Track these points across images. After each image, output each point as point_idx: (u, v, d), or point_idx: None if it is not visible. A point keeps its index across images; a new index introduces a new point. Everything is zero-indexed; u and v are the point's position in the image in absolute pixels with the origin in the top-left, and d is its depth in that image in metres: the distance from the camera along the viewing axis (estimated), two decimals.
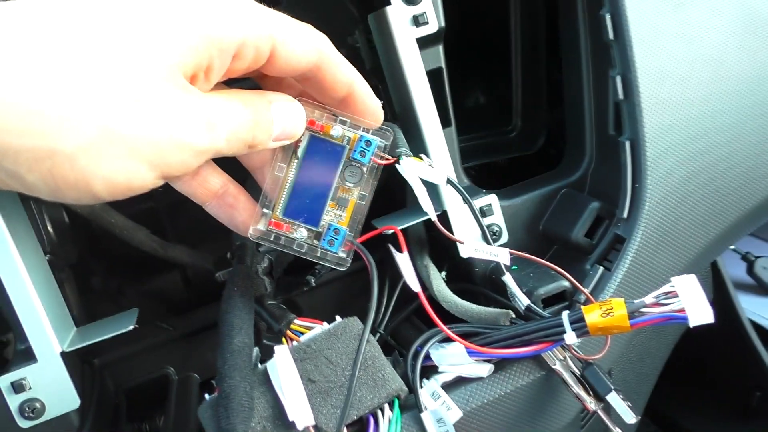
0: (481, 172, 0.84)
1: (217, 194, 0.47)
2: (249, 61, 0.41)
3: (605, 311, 0.48)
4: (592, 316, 0.48)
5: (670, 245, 0.63)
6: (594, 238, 0.65)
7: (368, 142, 0.48)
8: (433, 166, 0.52)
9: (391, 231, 0.62)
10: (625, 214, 0.63)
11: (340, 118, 0.47)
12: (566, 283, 0.60)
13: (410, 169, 0.51)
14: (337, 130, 0.47)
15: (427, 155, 0.62)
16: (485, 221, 0.65)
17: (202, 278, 0.75)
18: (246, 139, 0.42)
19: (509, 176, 0.76)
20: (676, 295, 0.46)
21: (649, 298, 0.47)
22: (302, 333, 0.55)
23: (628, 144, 0.62)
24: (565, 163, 0.74)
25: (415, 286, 0.52)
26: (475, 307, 0.60)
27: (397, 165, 0.51)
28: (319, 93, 0.46)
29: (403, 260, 0.52)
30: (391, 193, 0.68)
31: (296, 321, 0.56)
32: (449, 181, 0.53)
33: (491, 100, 0.88)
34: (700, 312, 0.45)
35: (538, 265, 0.61)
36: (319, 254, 0.49)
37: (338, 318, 0.54)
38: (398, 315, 0.72)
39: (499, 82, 0.87)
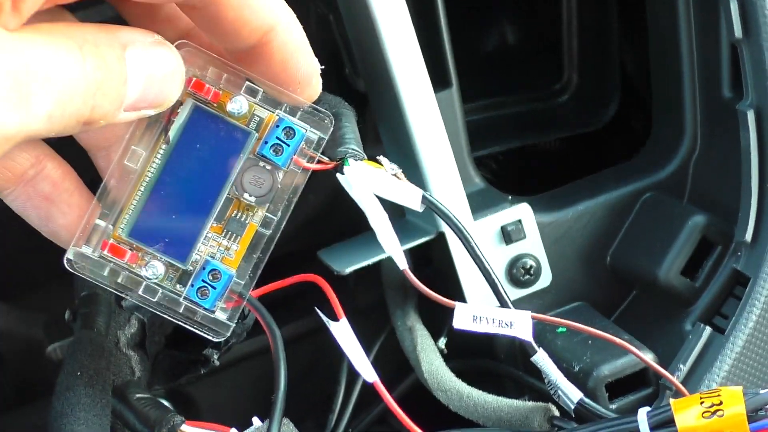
0: (509, 166, 0.85)
1: (24, 176, 0.47)
2: None
3: (709, 408, 0.48)
4: (688, 416, 0.48)
5: None
6: (697, 278, 0.66)
7: (290, 131, 0.48)
8: (400, 177, 0.52)
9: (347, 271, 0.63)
10: (748, 236, 0.64)
11: (249, 83, 0.48)
12: (649, 356, 0.61)
13: (360, 181, 0.51)
14: (238, 104, 0.48)
15: (407, 135, 0.63)
16: (510, 251, 0.66)
17: (23, 355, 0.76)
18: (81, 111, 0.42)
19: (556, 172, 0.76)
20: None
21: None
22: None
23: (752, 114, 0.63)
24: (649, 149, 0.75)
25: (366, 371, 0.52)
26: (491, 398, 0.61)
27: (338, 175, 0.51)
28: (214, 34, 0.46)
29: (339, 333, 0.52)
30: None
31: (184, 427, 0.56)
32: (426, 200, 0.53)
33: (527, 41, 0.89)
34: None
35: (599, 326, 0.62)
36: (182, 310, 0.49)
37: (256, 421, 0.55)
38: (366, 414, 0.72)
39: (540, 10, 0.88)
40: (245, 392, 0.76)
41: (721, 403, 0.48)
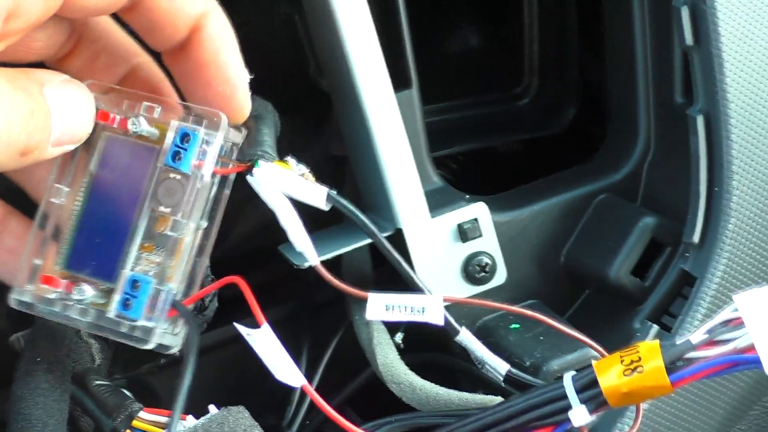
0: (469, 166, 0.86)
1: None
2: (34, 13, 0.43)
3: (629, 365, 0.48)
4: (610, 375, 0.49)
5: None
6: (647, 278, 0.67)
7: (186, 136, 0.49)
8: (307, 177, 0.53)
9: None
10: (696, 238, 0.65)
11: (147, 103, 0.50)
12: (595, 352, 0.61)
13: (269, 182, 0.52)
14: (138, 124, 0.49)
15: (368, 134, 0.64)
16: (466, 249, 0.67)
17: None
18: (20, 138, 0.44)
19: (516, 173, 0.78)
20: (742, 324, 0.46)
21: (698, 335, 0.48)
22: None
23: (701, 119, 0.64)
24: (605, 153, 0.76)
25: (292, 377, 0.51)
26: (442, 391, 0.61)
27: (248, 177, 0.52)
28: (152, 30, 0.49)
29: (262, 341, 0.51)
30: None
31: (142, 414, 0.56)
32: (331, 198, 0.53)
33: (489, 45, 0.90)
34: None
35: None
36: (115, 326, 0.50)
37: (212, 409, 0.55)
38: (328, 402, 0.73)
39: (502, 14, 0.89)
40: (205, 383, 0.76)
41: (639, 359, 0.48)
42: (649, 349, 0.48)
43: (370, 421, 0.58)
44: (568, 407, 0.50)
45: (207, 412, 0.55)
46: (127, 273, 0.50)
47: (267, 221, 0.78)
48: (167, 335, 0.51)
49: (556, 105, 0.87)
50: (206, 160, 0.49)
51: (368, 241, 0.65)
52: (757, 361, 0.46)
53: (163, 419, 0.56)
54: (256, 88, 0.52)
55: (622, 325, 0.67)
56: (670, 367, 0.47)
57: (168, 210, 0.49)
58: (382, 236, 0.58)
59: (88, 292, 0.50)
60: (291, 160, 0.53)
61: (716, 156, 0.64)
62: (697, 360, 0.47)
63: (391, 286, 0.70)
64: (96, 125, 0.49)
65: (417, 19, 0.70)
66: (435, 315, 0.54)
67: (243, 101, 0.50)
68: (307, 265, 0.63)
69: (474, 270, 0.68)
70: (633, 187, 0.72)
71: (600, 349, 0.58)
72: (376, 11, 0.63)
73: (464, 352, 0.68)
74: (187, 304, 0.51)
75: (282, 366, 0.51)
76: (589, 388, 0.50)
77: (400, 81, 0.67)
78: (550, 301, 0.71)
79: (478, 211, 0.67)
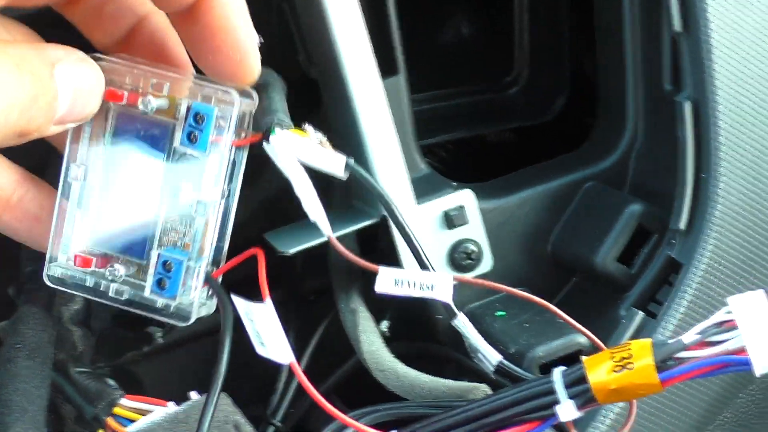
0: (458, 154, 0.86)
1: (9, 201, 0.49)
2: None
3: (620, 362, 0.48)
4: (600, 372, 0.49)
5: (757, 276, 0.65)
6: (633, 265, 0.67)
7: (199, 116, 0.48)
8: (325, 145, 0.52)
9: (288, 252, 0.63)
10: (682, 225, 0.65)
11: (155, 80, 0.49)
12: (582, 339, 0.61)
13: (285, 149, 0.51)
14: (146, 102, 0.49)
15: (354, 120, 0.64)
16: (452, 236, 0.67)
17: None
18: (18, 123, 0.43)
19: (506, 162, 0.77)
20: (735, 326, 0.46)
21: (690, 335, 0.48)
22: (133, 420, 0.56)
23: (689, 106, 0.64)
24: (593, 141, 0.76)
25: (282, 354, 0.51)
26: (427, 379, 0.61)
27: (264, 144, 0.51)
28: None
29: (258, 316, 0.51)
30: None
31: (123, 401, 0.57)
32: (349, 166, 0.53)
33: (480, 34, 0.90)
34: None
35: (537, 310, 0.62)
36: (152, 305, 0.51)
37: (194, 395, 0.55)
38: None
39: (493, 3, 0.89)
40: (191, 372, 0.76)
41: (630, 356, 0.48)
42: (640, 347, 0.48)
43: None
44: (556, 402, 0.50)
45: (189, 398, 0.55)
46: (157, 253, 0.50)
47: (255, 213, 0.79)
48: (203, 307, 0.52)
49: (547, 94, 0.87)
50: (224, 136, 0.49)
51: (372, 221, 0.66)
52: (747, 363, 0.46)
53: (145, 406, 0.57)
54: None
55: (609, 313, 0.66)
56: (660, 366, 0.48)
57: (189, 185, 0.49)
58: (397, 207, 0.57)
59: (120, 270, 0.50)
60: (308, 128, 0.52)
61: (704, 142, 0.64)
62: (687, 360, 0.48)
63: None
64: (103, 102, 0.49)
65: (407, 6, 0.69)
66: (444, 293, 0.53)
67: (253, 65, 0.49)
68: (292, 251, 0.64)
69: (460, 257, 0.67)
70: (621, 175, 0.72)
71: (591, 335, 0.58)
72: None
73: (452, 339, 0.69)
74: (215, 276, 0.51)
75: (274, 343, 0.51)
76: (577, 384, 0.50)
77: (387, 67, 0.67)
78: (536, 289, 0.69)
79: (465, 198, 0.67)
